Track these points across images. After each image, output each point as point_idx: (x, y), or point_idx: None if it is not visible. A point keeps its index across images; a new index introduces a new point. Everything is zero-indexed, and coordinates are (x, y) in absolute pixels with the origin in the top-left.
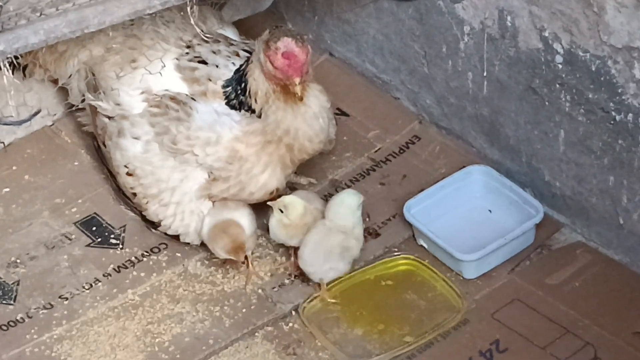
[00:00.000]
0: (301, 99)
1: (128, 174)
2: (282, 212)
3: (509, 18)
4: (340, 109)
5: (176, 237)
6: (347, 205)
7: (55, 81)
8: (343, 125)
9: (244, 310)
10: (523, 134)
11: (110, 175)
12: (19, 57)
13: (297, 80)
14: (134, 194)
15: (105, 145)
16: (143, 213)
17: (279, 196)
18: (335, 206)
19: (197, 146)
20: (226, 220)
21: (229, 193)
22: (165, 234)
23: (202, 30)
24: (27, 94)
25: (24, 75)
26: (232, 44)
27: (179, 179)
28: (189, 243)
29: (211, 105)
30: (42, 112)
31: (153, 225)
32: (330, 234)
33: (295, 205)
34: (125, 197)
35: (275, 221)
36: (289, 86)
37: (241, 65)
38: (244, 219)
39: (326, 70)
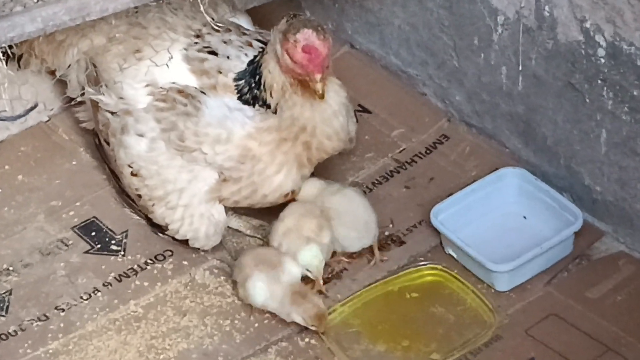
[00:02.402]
0: (322, 97)
1: (132, 174)
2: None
3: (547, 7)
4: (362, 105)
5: (184, 243)
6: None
7: (52, 73)
8: (365, 123)
9: (256, 324)
10: (561, 133)
11: (113, 176)
12: (14, 46)
13: (318, 77)
14: (139, 196)
15: (107, 143)
16: (149, 216)
17: (295, 199)
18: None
19: (205, 144)
20: (302, 286)
21: (241, 195)
22: (173, 238)
23: (213, 19)
24: (22, 86)
25: (19, 66)
26: (244, 34)
27: (186, 180)
28: (197, 250)
29: (222, 99)
30: (38, 106)
31: (160, 229)
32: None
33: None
34: (129, 199)
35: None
36: (309, 82)
37: (255, 57)
38: (293, 266)
39: (347, 63)
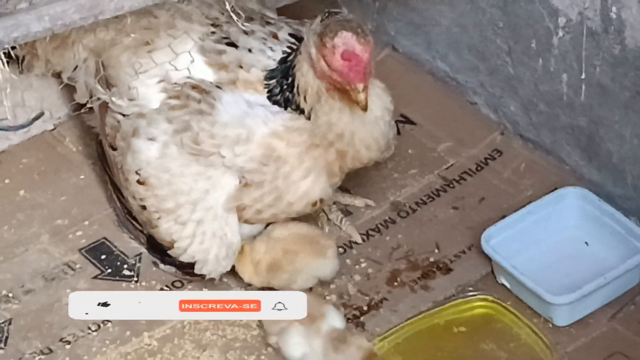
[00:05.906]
0: (365, 108)
1: (139, 182)
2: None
3: (614, 9)
4: (405, 115)
5: (188, 273)
6: None
7: (59, 75)
8: (408, 136)
9: None
10: (629, 149)
11: (115, 191)
12: (15, 47)
13: (360, 86)
14: (143, 207)
15: (114, 149)
16: (151, 232)
17: (322, 210)
18: None
19: (224, 146)
20: (338, 331)
21: (264, 203)
22: (177, 266)
23: (232, 6)
24: (26, 92)
25: (21, 69)
26: (268, 23)
27: (203, 190)
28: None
29: (240, 95)
30: (43, 115)
31: (162, 255)
32: None
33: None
34: (131, 220)
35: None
36: (350, 92)
37: (288, 55)
38: (337, 319)
39: (388, 67)
